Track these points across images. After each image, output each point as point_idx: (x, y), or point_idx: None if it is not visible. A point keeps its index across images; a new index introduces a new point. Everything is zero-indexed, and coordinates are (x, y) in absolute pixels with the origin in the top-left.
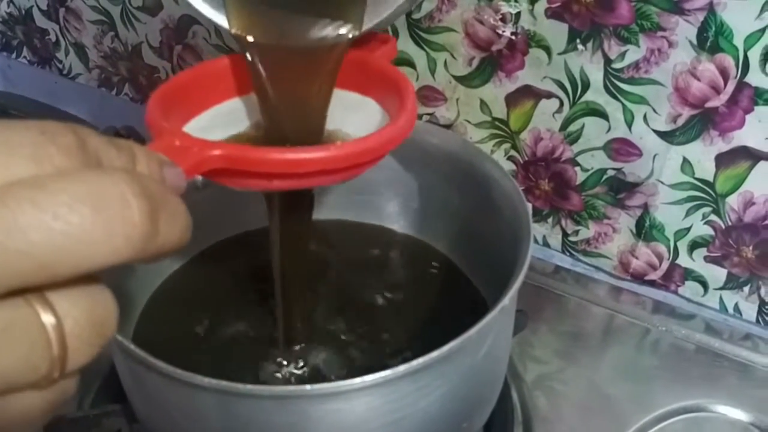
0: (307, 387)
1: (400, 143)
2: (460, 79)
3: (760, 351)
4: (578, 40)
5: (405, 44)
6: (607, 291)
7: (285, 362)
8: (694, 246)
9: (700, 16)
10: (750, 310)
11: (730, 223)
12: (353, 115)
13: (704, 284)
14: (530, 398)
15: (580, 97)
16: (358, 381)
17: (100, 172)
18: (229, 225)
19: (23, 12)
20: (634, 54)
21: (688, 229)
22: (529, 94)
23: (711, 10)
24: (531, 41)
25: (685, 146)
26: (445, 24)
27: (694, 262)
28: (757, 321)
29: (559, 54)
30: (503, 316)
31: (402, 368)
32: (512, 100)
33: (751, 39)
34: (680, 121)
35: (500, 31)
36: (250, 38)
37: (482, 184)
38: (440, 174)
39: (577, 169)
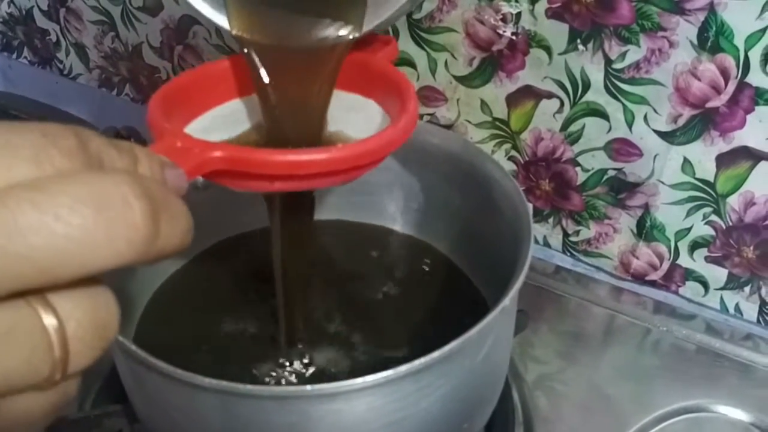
0: (308, 387)
1: (401, 145)
2: (461, 80)
3: (761, 351)
4: (579, 41)
5: (405, 44)
6: (607, 291)
7: (286, 362)
8: (694, 246)
9: (701, 16)
10: (751, 310)
11: (730, 224)
12: (354, 117)
13: (705, 284)
14: (531, 398)
15: (581, 97)
16: (358, 381)
17: (101, 174)
18: (230, 225)
19: (24, 12)
20: (634, 54)
21: (689, 230)
22: (529, 94)
23: (712, 10)
24: (532, 41)
25: (685, 146)
26: (446, 24)
27: (695, 263)
28: (758, 321)
29: (560, 54)
30: (504, 316)
31: (403, 368)
32: (513, 100)
33: (752, 39)
34: (681, 122)
35: (501, 31)
36: (251, 39)
37: (483, 184)
38: (441, 174)
39: (578, 169)
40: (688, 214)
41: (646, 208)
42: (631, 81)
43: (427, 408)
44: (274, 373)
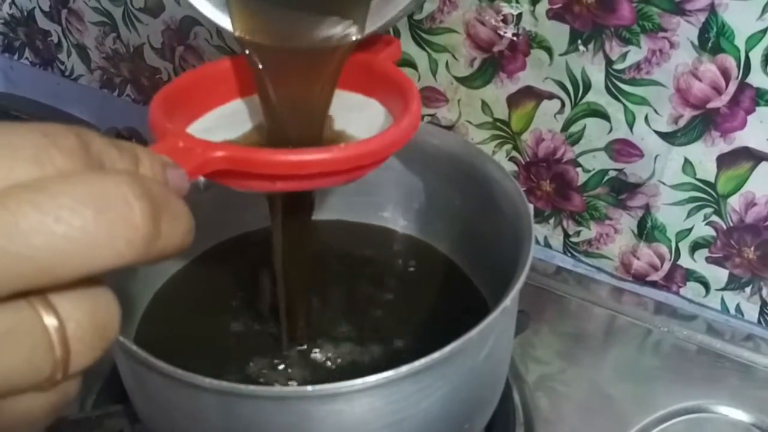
0: (309, 388)
1: (404, 145)
2: (462, 80)
3: (762, 352)
4: (579, 41)
5: (406, 45)
6: (608, 292)
7: (287, 363)
8: (695, 247)
9: (702, 17)
10: (752, 310)
11: (731, 224)
12: (357, 117)
13: (706, 285)
14: (532, 399)
15: (582, 98)
16: (359, 382)
17: (102, 174)
18: (231, 226)
19: (25, 13)
20: (635, 55)
21: (690, 230)
22: (530, 95)
23: (712, 10)
24: (532, 42)
25: (686, 147)
26: (447, 25)
27: (696, 263)
28: (759, 322)
29: (561, 55)
30: (505, 316)
31: (403, 369)
32: (514, 101)
33: (753, 40)
34: (681, 122)
35: (502, 32)
36: (254, 40)
37: (484, 184)
38: (442, 175)
39: (579, 170)
40: (689, 214)
41: (647, 208)
42: (632, 82)
43: (428, 408)
44: (274, 374)
